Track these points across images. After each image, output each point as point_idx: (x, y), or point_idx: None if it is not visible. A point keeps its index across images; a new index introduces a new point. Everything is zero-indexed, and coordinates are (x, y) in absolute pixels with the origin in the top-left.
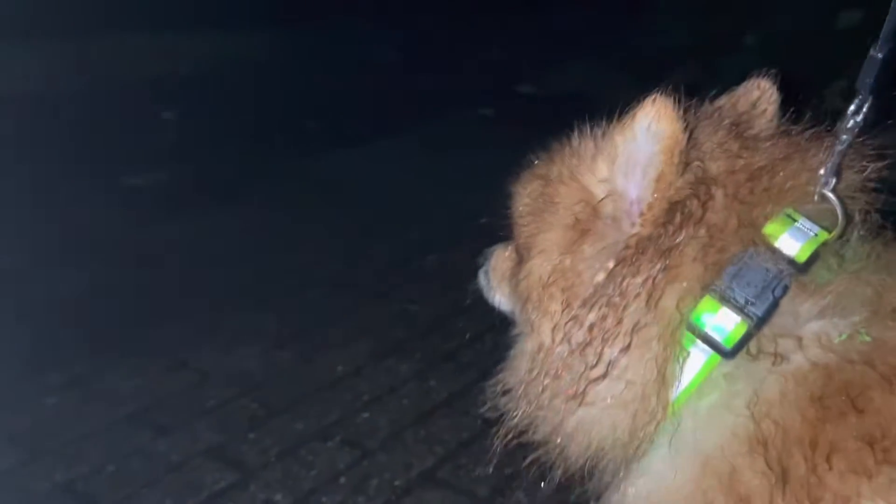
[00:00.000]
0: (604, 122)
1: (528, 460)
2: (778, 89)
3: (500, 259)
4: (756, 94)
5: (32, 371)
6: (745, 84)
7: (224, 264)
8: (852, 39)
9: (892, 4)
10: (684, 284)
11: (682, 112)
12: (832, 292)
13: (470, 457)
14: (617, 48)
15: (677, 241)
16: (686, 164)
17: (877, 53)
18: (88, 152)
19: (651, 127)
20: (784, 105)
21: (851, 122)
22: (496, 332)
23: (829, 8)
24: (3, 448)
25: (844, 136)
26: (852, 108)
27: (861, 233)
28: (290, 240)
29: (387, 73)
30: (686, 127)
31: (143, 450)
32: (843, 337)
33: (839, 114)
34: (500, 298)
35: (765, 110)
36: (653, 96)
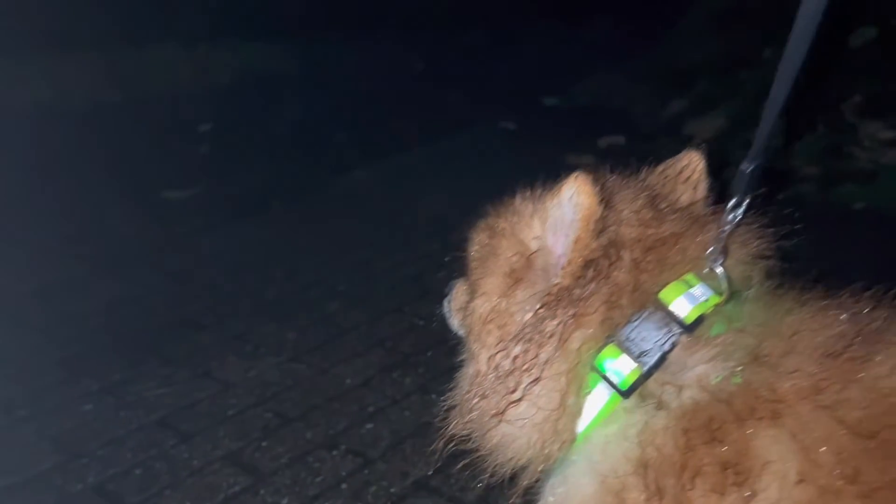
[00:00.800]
0: (540, 188)
1: (461, 464)
2: (707, 161)
3: (458, 292)
4: (684, 164)
5: (72, 378)
6: (679, 155)
7: (251, 277)
8: (867, 55)
9: (758, 129)
10: (589, 331)
11: (600, 187)
12: (720, 343)
13: (462, 467)
14: (641, 60)
15: (587, 293)
16: (603, 229)
17: (746, 168)
18: (127, 166)
19: (573, 198)
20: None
21: (732, 215)
22: None
23: (845, 24)
24: (44, 451)
25: (727, 227)
26: (732, 203)
27: (753, 293)
28: (314, 253)
29: (412, 84)
30: (602, 200)
31: (167, 454)
32: (718, 379)
33: (854, 129)
34: (457, 326)
35: (689, 179)
36: (576, 173)
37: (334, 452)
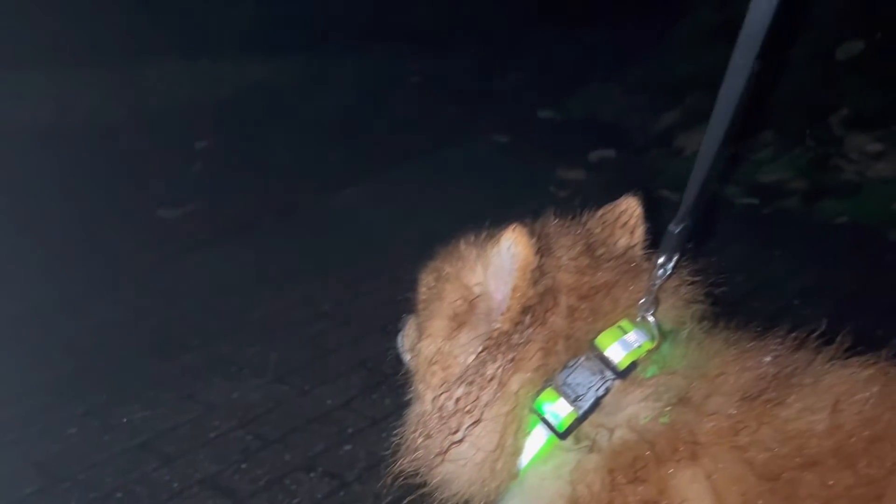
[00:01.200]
0: (484, 235)
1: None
2: (644, 207)
3: (410, 328)
4: (622, 210)
5: (59, 401)
6: (617, 200)
7: (239, 297)
8: (854, 68)
9: (685, 193)
10: (527, 375)
11: (537, 237)
12: (651, 385)
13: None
14: (635, 71)
15: (525, 339)
16: (540, 276)
17: (674, 229)
18: (124, 184)
19: (511, 249)
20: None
21: (661, 270)
22: None
23: (833, 38)
24: (29, 475)
25: (657, 281)
26: (661, 260)
27: (685, 336)
28: (302, 273)
29: (407, 97)
30: (538, 250)
31: (148, 477)
32: (647, 419)
33: (841, 141)
34: (407, 362)
35: (627, 224)
36: (514, 224)
37: (311, 474)
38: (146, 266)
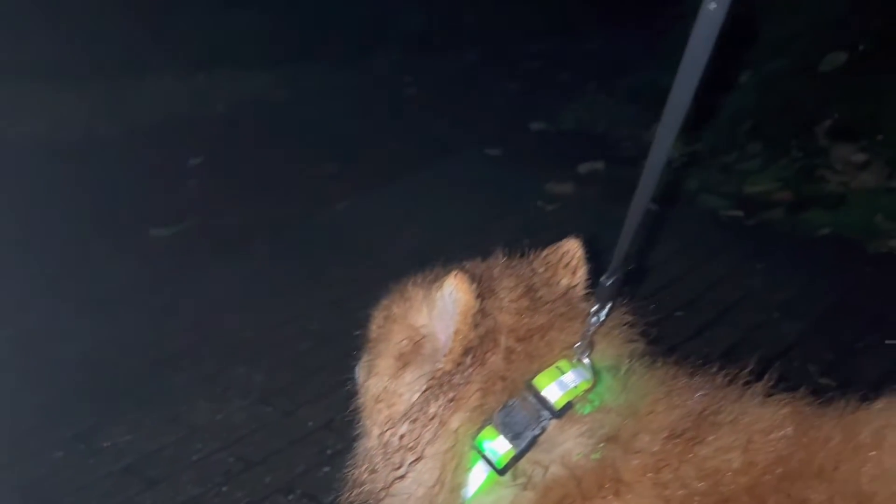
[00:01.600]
0: (431, 276)
1: None
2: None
3: (362, 365)
4: (564, 251)
5: (46, 425)
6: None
7: (228, 316)
8: (837, 80)
9: (617, 246)
10: (467, 414)
11: (478, 283)
12: (587, 423)
13: None
14: (627, 82)
15: (466, 379)
16: (482, 319)
17: (606, 282)
18: (118, 203)
19: (452, 294)
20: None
21: (595, 318)
22: None
23: (818, 50)
24: (14, 500)
25: (590, 328)
26: (595, 308)
27: (622, 374)
28: (290, 291)
29: (402, 110)
30: (479, 295)
31: (132, 501)
32: (579, 456)
33: (826, 152)
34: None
35: (569, 265)
36: (455, 271)
37: (290, 497)
38: (137, 286)
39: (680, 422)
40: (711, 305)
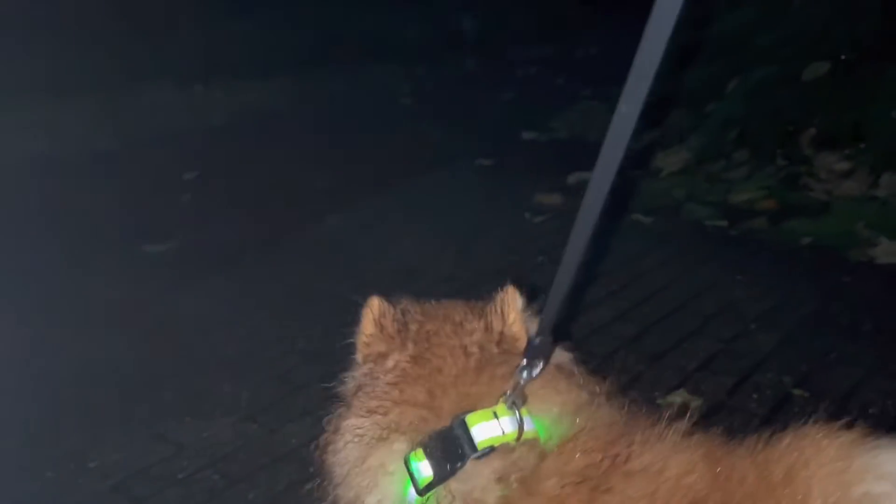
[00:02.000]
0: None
1: None
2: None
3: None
4: (503, 298)
5: (37, 444)
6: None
7: (218, 333)
8: (820, 89)
9: (546, 305)
10: (404, 436)
11: (383, 315)
12: (504, 464)
13: None
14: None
15: (400, 412)
16: (417, 356)
17: (535, 340)
18: (113, 218)
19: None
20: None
21: (525, 373)
22: None
23: (801, 59)
24: None
25: (521, 382)
26: (524, 363)
27: (549, 421)
28: (279, 307)
29: (397, 120)
30: (382, 330)
31: None
32: (484, 492)
33: (810, 160)
34: None
35: (507, 313)
36: (374, 300)
37: None
38: (128, 303)
39: (590, 468)
40: (692, 316)
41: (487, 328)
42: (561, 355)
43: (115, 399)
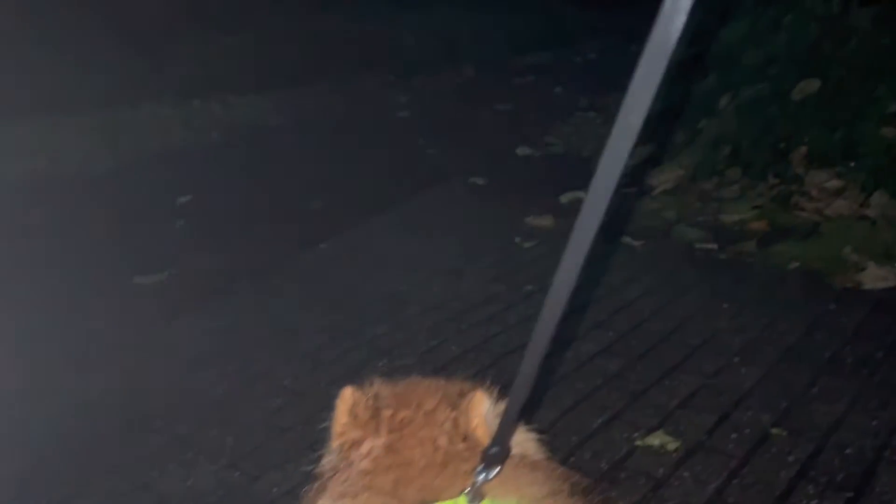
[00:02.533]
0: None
1: None
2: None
3: None
4: (470, 400)
5: (23, 496)
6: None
7: (202, 372)
8: (811, 107)
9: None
10: None
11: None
12: None
13: None
14: (619, 99)
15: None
16: (348, 432)
17: (489, 450)
18: (103, 248)
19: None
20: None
21: (483, 475)
22: None
23: (791, 77)
24: None
25: (479, 480)
26: (480, 468)
27: None
28: (266, 342)
29: (392, 136)
30: (355, 419)
31: None
32: None
33: (801, 179)
34: None
35: (473, 413)
36: (347, 391)
37: None
38: (114, 341)
39: None
40: (677, 349)
41: (455, 424)
42: (527, 442)
43: (102, 443)
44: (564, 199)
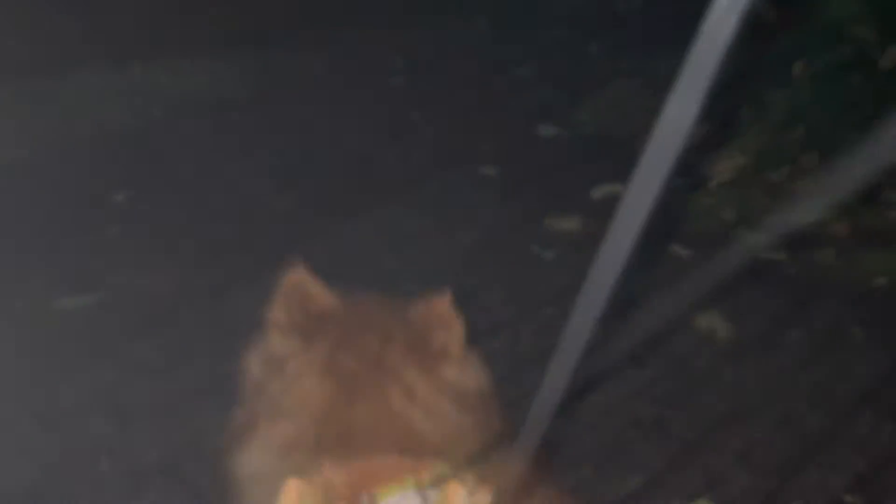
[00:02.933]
0: None
1: None
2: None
3: None
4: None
5: None
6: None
7: (136, 427)
8: None
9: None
10: None
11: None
12: None
13: None
14: (668, 65)
15: None
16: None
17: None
18: (20, 264)
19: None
20: None
21: None
22: None
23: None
24: None
25: None
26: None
27: None
28: (216, 385)
29: (384, 108)
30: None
31: None
32: None
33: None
34: None
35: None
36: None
37: None
38: (26, 384)
39: None
40: (727, 399)
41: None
42: None
43: None
44: (596, 193)
